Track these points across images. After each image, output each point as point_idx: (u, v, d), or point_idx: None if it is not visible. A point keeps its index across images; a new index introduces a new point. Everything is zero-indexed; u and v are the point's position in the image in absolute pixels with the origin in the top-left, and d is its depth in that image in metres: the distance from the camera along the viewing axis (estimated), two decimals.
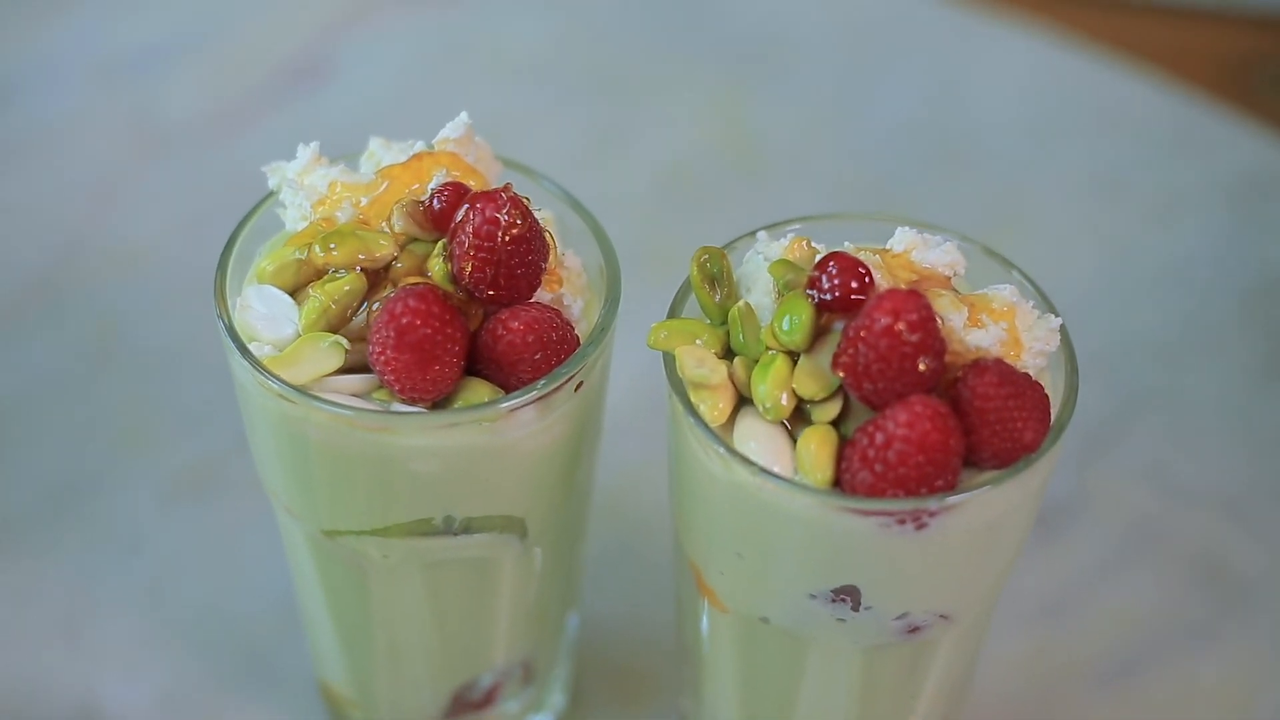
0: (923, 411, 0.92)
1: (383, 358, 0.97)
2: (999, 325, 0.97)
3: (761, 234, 1.05)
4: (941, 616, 1.01)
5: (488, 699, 1.17)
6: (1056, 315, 1.01)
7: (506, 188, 0.98)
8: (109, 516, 1.34)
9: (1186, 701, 1.25)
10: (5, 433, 1.39)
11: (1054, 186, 1.61)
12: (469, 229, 0.98)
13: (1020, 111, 1.67)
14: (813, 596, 0.99)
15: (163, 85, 1.68)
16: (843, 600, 0.98)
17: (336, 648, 1.15)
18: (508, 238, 0.97)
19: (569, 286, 1.04)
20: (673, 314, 1.02)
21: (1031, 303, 1.01)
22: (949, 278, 1.00)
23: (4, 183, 1.59)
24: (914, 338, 0.92)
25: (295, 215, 1.05)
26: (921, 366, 0.93)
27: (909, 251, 1.00)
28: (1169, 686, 1.26)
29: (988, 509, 0.95)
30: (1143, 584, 1.31)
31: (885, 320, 0.92)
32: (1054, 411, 0.99)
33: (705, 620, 1.08)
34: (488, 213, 0.98)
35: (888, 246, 1.01)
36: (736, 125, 1.66)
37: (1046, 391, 0.99)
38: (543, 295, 1.02)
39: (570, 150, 1.63)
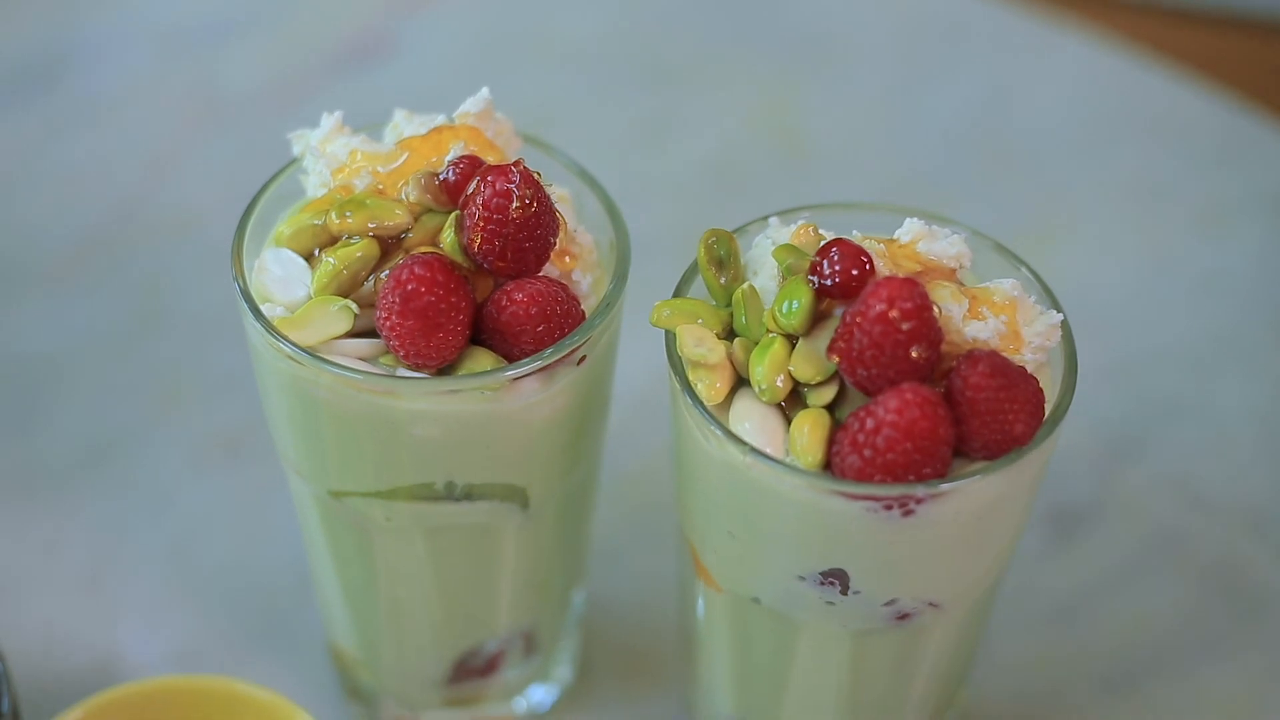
0: (913, 399, 0.92)
1: (388, 323, 0.99)
2: (999, 318, 0.98)
3: (773, 219, 1.06)
4: (931, 604, 1.01)
5: (490, 666, 1.18)
6: (1060, 312, 1.01)
7: (518, 163, 1.00)
8: (140, 474, 1.37)
9: (1194, 711, 1.25)
10: (47, 387, 1.42)
11: (1099, 192, 1.60)
12: (479, 201, 1.00)
13: (1069, 116, 1.67)
14: (802, 578, 1.00)
15: (225, 58, 1.71)
16: (831, 583, 0.99)
17: (344, 610, 1.17)
18: (517, 211, 0.99)
19: (580, 263, 1.05)
20: (679, 294, 1.04)
21: (1034, 298, 1.01)
22: (954, 270, 1.01)
23: (65, 146, 1.63)
24: (907, 325, 0.93)
25: (316, 182, 1.07)
26: (914, 354, 0.93)
27: (915, 242, 1.01)
28: (1177, 695, 1.25)
29: (977, 499, 0.96)
30: (1159, 592, 1.31)
31: (880, 307, 0.93)
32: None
33: (701, 600, 1.10)
34: (498, 186, 0.99)
35: (895, 236, 1.02)
36: (784, 119, 1.67)
37: (1044, 386, 0.99)
38: (552, 271, 1.03)
39: (618, 137, 1.65)
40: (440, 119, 1.08)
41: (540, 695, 1.23)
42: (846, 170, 1.62)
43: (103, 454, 1.38)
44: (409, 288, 0.98)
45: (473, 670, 1.18)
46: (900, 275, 0.97)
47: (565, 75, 1.70)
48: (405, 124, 1.09)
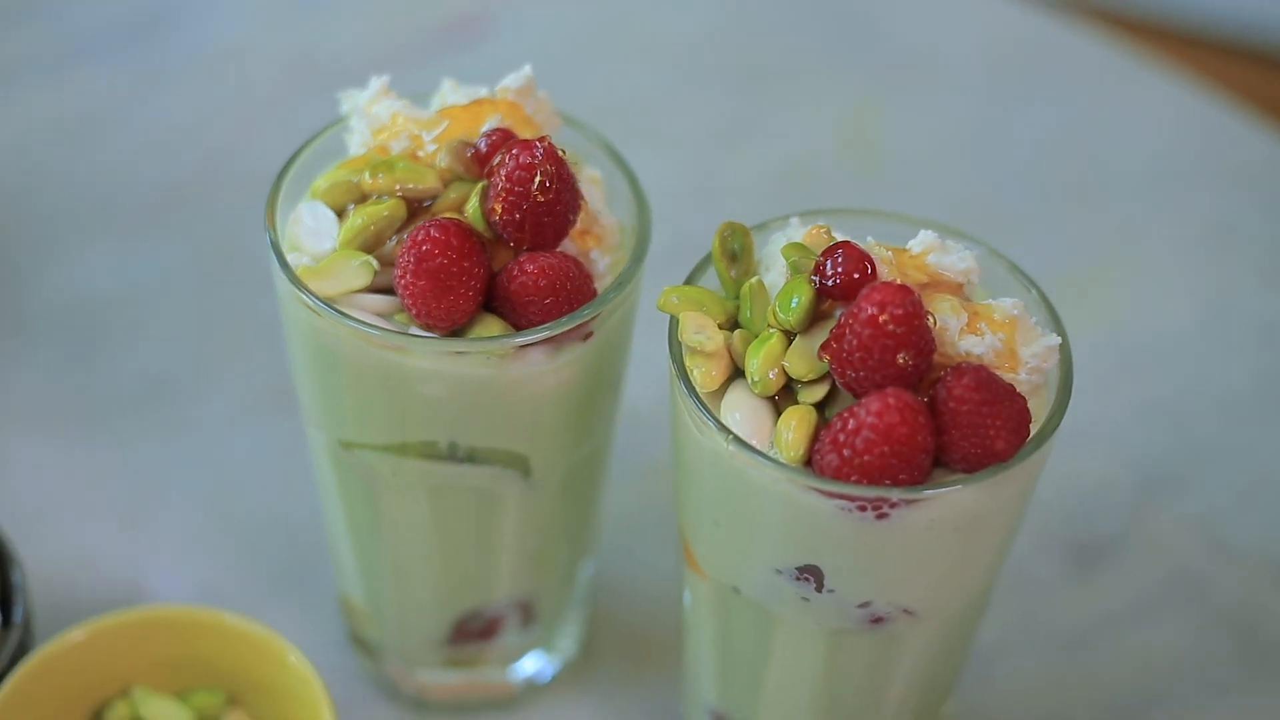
0: (894, 404, 0.94)
1: (403, 282, 1.02)
2: (996, 336, 0.99)
3: (794, 219, 1.08)
4: (906, 611, 1.02)
5: (489, 630, 1.21)
6: (1060, 335, 1.02)
7: (543, 138, 1.03)
8: (190, 417, 1.42)
9: None
10: (113, 325, 1.48)
11: (1168, 231, 1.60)
12: (503, 173, 1.02)
13: (1147, 153, 1.66)
14: (778, 572, 1.01)
15: (326, 27, 1.75)
16: (806, 579, 1.01)
17: (352, 561, 1.20)
18: (538, 186, 1.02)
19: (600, 244, 1.07)
20: (690, 282, 1.06)
21: (1035, 320, 1.02)
22: (961, 285, 1.02)
23: (160, 97, 1.68)
24: (897, 330, 0.94)
25: (358, 141, 1.11)
26: (901, 360, 0.95)
27: (926, 254, 1.02)
28: None
29: (953, 511, 0.97)
30: (1171, 633, 1.31)
31: (871, 310, 0.94)
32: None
33: (689, 588, 1.12)
34: (522, 159, 1.02)
35: (907, 246, 1.03)
36: (864, 133, 1.68)
37: (1039, 408, 1.00)
38: (570, 248, 1.06)
39: (697, 136, 1.67)
40: (483, 91, 1.11)
41: (541, 666, 1.26)
42: (918, 188, 1.63)
43: (157, 394, 1.43)
44: (423, 249, 1.01)
45: (472, 633, 1.21)
46: (898, 282, 0.98)
47: (655, 69, 1.73)
48: (450, 93, 1.12)
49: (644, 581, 1.33)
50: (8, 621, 1.15)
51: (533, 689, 1.26)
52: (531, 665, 1.25)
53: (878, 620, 1.03)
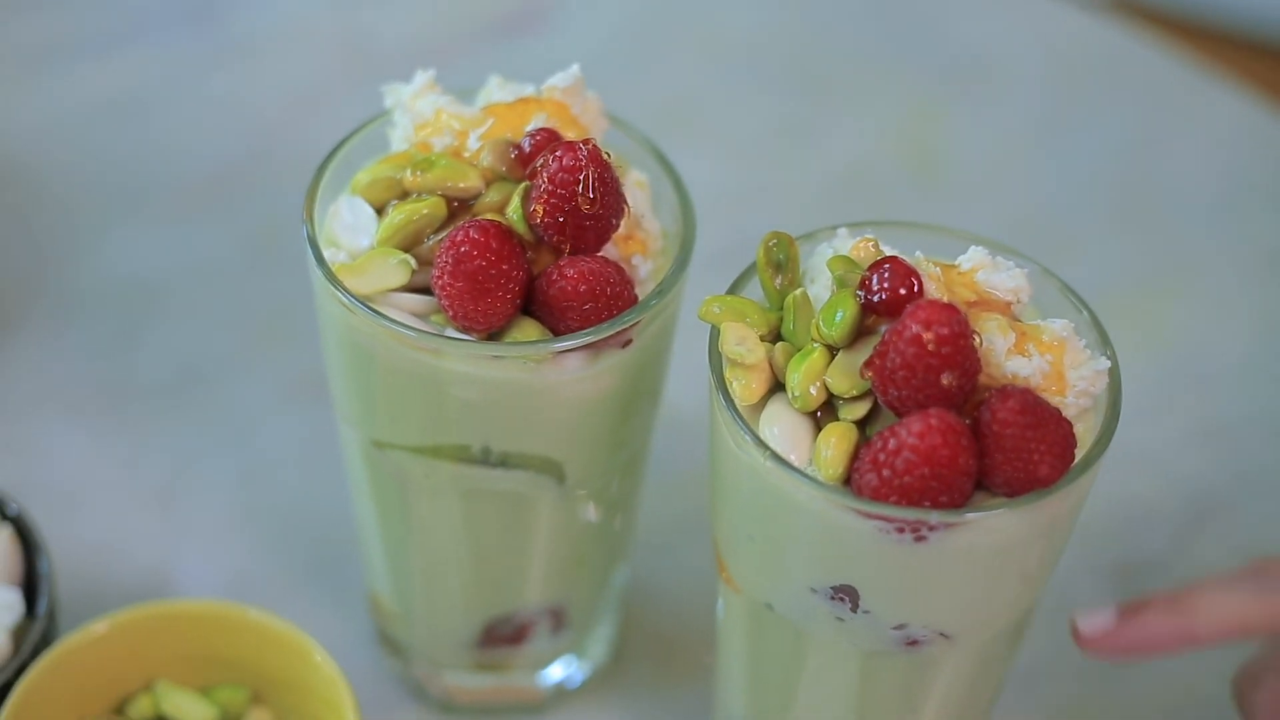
0: (936, 425, 0.91)
1: (440, 282, 1.00)
2: (1044, 357, 0.96)
3: (841, 230, 1.05)
4: (942, 635, 1.00)
5: (519, 635, 1.19)
6: (1110, 359, 0.99)
7: (587, 140, 1.01)
8: (225, 404, 1.40)
9: None
10: (152, 308, 1.47)
11: (1230, 254, 1.57)
12: (545, 174, 1.00)
13: (1213, 171, 1.63)
14: (813, 590, 0.99)
15: (380, 14, 1.74)
16: (841, 599, 0.99)
17: (383, 561, 1.19)
18: (581, 188, 1.00)
19: (643, 249, 1.06)
20: (733, 292, 1.03)
21: (1084, 342, 0.99)
22: (1010, 303, 1.00)
23: (213, 79, 1.67)
24: (941, 350, 0.92)
25: (401, 136, 1.09)
26: (944, 381, 0.92)
27: (975, 271, 1.00)
28: None
29: (993, 535, 0.95)
30: (1216, 660, 1.28)
31: (915, 328, 0.92)
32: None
33: (721, 600, 1.10)
34: (565, 161, 1.00)
35: (956, 263, 1.01)
36: (922, 139, 1.65)
37: (1086, 433, 0.98)
38: (612, 253, 1.04)
39: (752, 137, 1.65)
40: (530, 90, 1.10)
41: (571, 672, 1.24)
42: (975, 198, 1.61)
43: (193, 380, 1.42)
44: (462, 249, 0.99)
45: (502, 637, 1.19)
46: (946, 300, 0.95)
47: (710, 69, 1.71)
48: (497, 90, 1.10)
49: (679, 587, 1.31)
50: (32, 612, 1.14)
51: (562, 694, 1.25)
52: (561, 671, 1.24)
53: (913, 643, 1.00)
